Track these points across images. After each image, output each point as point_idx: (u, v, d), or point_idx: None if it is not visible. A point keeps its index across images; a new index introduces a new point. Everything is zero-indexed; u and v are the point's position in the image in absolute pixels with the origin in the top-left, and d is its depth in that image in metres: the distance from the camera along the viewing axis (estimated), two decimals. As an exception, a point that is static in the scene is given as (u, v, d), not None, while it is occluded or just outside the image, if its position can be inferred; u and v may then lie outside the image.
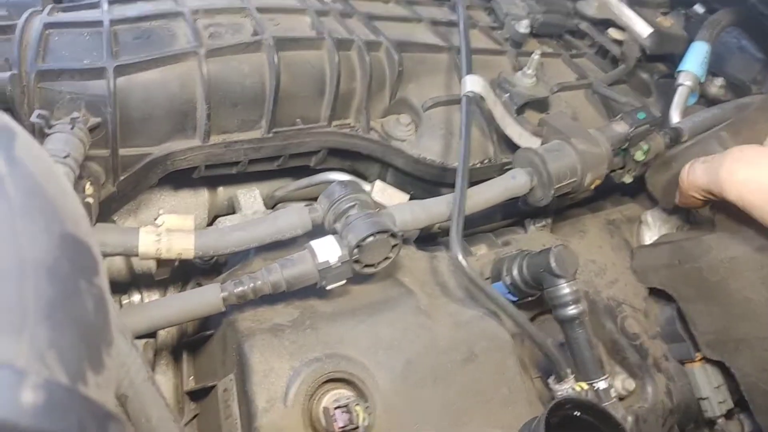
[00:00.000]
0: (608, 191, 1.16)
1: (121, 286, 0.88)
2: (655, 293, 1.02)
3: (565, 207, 1.10)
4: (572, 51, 1.17)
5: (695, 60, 1.09)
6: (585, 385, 0.79)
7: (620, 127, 0.93)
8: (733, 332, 0.95)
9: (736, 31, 1.33)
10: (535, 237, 1.01)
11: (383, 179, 0.98)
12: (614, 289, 0.99)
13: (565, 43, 1.20)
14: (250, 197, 0.96)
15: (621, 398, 0.92)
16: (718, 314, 0.95)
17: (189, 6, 0.86)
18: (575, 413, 0.68)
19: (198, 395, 0.84)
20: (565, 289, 0.81)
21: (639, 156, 0.96)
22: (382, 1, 1.07)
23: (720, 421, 1.02)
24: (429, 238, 1.00)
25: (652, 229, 1.07)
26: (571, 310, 0.81)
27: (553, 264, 0.80)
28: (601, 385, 0.80)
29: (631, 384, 0.93)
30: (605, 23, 1.20)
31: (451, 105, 0.95)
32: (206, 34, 0.83)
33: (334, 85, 0.88)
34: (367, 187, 0.95)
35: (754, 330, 0.93)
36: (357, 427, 0.67)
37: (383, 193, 0.95)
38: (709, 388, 1.00)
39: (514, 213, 1.06)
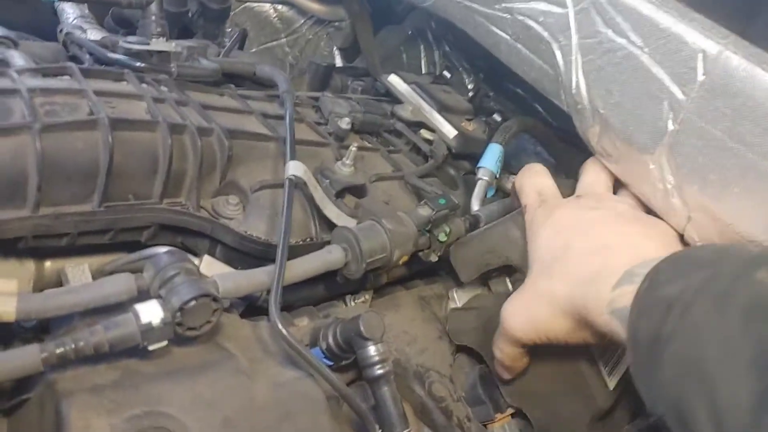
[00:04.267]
0: (424, 272, 1.29)
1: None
2: (461, 358, 1.15)
3: (382, 285, 1.21)
4: (390, 147, 1.33)
5: (491, 158, 1.27)
6: (385, 437, 0.87)
7: (424, 211, 1.07)
8: (531, 386, 1.09)
9: (532, 138, 1.56)
10: (353, 310, 1.11)
11: (212, 255, 1.05)
12: (423, 357, 1.10)
13: (384, 140, 1.36)
14: (79, 271, 0.98)
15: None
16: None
17: (27, 84, 0.91)
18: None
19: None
20: (372, 350, 0.90)
21: (442, 237, 1.10)
22: (217, 94, 1.17)
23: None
24: (256, 311, 1.07)
25: (458, 304, 1.20)
26: (378, 370, 0.90)
27: (361, 328, 0.90)
28: (402, 437, 0.89)
29: (436, 442, 1.03)
30: (419, 125, 1.38)
31: (276, 188, 1.05)
32: (42, 111, 0.88)
33: (166, 166, 0.95)
34: (195, 261, 1.01)
35: (546, 385, 1.08)
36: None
37: (210, 267, 1.01)
38: (508, 446, 1.12)
39: (337, 290, 1.15)
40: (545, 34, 1.03)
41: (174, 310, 0.79)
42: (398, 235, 1.01)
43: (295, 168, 1.00)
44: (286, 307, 1.08)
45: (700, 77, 0.86)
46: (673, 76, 0.89)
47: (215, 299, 0.83)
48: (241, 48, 1.56)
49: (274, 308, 0.86)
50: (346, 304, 1.15)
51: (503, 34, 1.11)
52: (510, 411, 1.13)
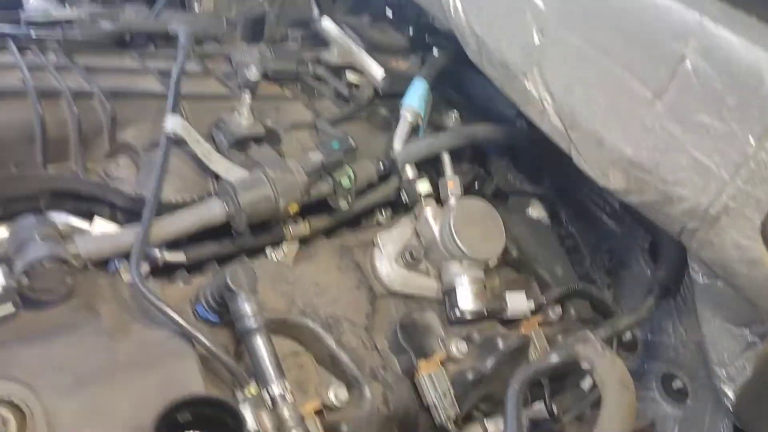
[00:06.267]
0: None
1: None
2: (384, 306, 1.11)
3: (309, 235, 1.17)
4: (315, 94, 1.28)
5: (414, 95, 1.20)
6: (254, 390, 0.85)
7: (314, 156, 1.02)
8: None
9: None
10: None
11: (114, 219, 1.05)
12: (334, 307, 1.06)
13: (308, 88, 1.30)
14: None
15: (337, 409, 0.99)
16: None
17: None
18: (204, 410, 0.74)
19: None
20: (242, 302, 0.87)
21: (345, 182, 1.05)
22: (117, 56, 1.16)
23: (451, 427, 1.08)
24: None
25: (383, 250, 1.15)
26: (248, 322, 0.87)
27: (227, 280, 0.87)
28: (275, 390, 0.86)
29: (343, 393, 0.99)
30: (348, 68, 1.32)
31: (168, 145, 1.03)
32: None
33: (41, 132, 0.95)
34: (87, 225, 1.01)
35: None
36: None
37: (102, 229, 1.01)
38: (434, 395, 1.07)
39: (259, 243, 1.13)
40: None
41: (19, 273, 0.80)
42: (283, 182, 0.98)
43: (173, 124, 0.98)
44: (194, 266, 1.06)
45: (554, -19, 0.77)
46: (530, -17, 0.81)
47: (66, 261, 0.82)
48: (183, 7, 1.54)
49: (134, 268, 0.86)
50: (267, 257, 1.12)
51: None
52: (439, 357, 1.08)
